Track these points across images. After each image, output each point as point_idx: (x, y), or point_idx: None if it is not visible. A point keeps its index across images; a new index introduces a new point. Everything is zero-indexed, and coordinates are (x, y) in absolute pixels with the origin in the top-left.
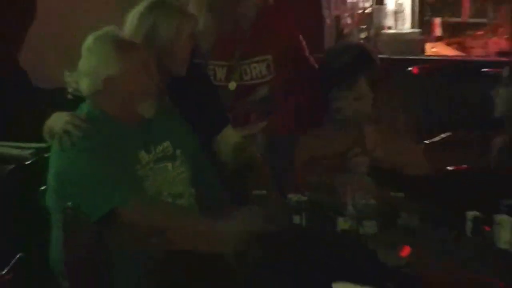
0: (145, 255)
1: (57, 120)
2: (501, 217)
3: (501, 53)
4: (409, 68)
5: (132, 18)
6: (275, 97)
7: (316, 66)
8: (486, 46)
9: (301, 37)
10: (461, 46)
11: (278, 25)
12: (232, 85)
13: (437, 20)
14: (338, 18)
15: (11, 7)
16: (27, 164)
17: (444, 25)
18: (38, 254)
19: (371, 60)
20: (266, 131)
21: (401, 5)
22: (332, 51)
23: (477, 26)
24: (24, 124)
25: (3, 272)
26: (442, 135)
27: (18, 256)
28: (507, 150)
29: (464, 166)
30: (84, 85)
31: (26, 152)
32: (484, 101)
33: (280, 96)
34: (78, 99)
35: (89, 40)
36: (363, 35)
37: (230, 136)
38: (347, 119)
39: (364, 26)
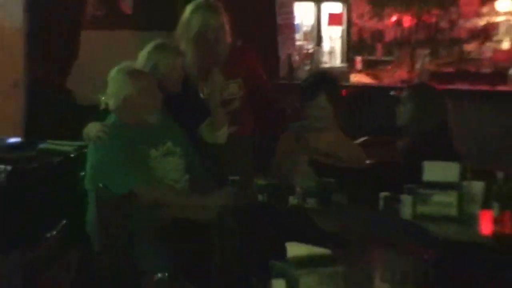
0: (154, 222)
1: (92, 128)
2: (404, 196)
3: (402, 82)
4: None
5: (142, 55)
6: (243, 108)
7: (270, 88)
8: (392, 77)
9: (261, 68)
10: (375, 77)
11: (245, 59)
12: (216, 98)
13: (359, 58)
14: (289, 56)
15: (63, 48)
16: (72, 156)
17: (364, 62)
18: (78, 221)
19: (329, 82)
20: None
21: (333, 47)
22: (307, 76)
23: (387, 62)
24: (70, 128)
25: (54, 233)
26: (363, 138)
27: (63, 222)
28: (407, 149)
29: (379, 160)
30: (111, 103)
31: (71, 148)
32: (392, 114)
33: (246, 107)
34: (107, 112)
35: (113, 71)
36: (307, 68)
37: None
38: (311, 124)
39: (308, 62)
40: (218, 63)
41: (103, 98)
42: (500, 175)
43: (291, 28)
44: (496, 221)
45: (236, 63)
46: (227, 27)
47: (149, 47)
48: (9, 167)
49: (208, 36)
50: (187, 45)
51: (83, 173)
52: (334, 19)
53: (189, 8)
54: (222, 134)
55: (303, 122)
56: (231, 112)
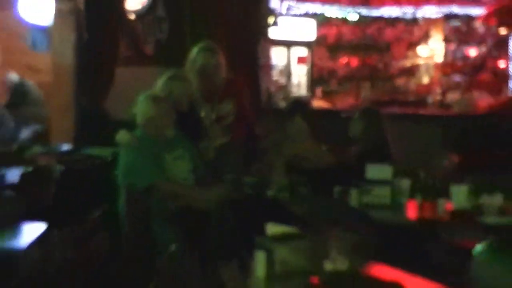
0: (167, 208)
1: (123, 136)
2: (352, 190)
3: (351, 106)
4: None
5: (160, 82)
6: (233, 123)
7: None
8: (343, 103)
9: (246, 95)
10: (331, 103)
11: (236, 88)
12: (213, 116)
13: (319, 89)
14: (268, 88)
15: (102, 79)
16: (108, 159)
17: (322, 91)
18: (112, 207)
19: (303, 106)
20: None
21: (300, 81)
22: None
23: (340, 92)
24: (106, 138)
25: (97, 215)
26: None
27: (101, 208)
28: (357, 155)
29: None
30: (138, 120)
31: (107, 153)
32: (345, 129)
33: (236, 123)
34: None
35: (141, 97)
36: (281, 97)
37: (208, 146)
38: (291, 136)
39: (281, 92)
40: (216, 90)
41: (135, 116)
42: (422, 174)
43: (269, 67)
44: (419, 208)
45: (229, 90)
46: (222, 64)
47: (165, 76)
48: (63, 167)
49: (208, 71)
50: (193, 77)
51: (116, 172)
52: (301, 60)
53: (194, 50)
54: (211, 149)
55: (283, 134)
56: (226, 125)
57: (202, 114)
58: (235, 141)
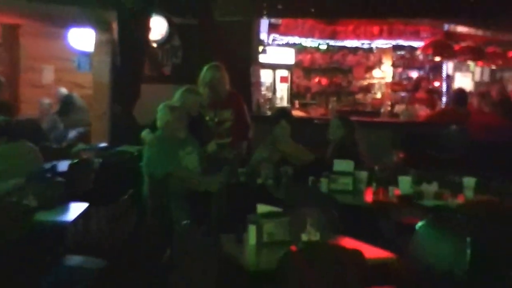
0: (182, 192)
1: (146, 135)
2: (323, 179)
3: (321, 115)
4: None
5: (177, 94)
6: (233, 126)
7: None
8: (316, 112)
9: (244, 104)
10: (306, 112)
11: (235, 99)
12: (216, 119)
13: (296, 101)
14: (257, 99)
15: (131, 93)
16: (135, 154)
17: (299, 103)
18: (138, 191)
19: (287, 113)
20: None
21: (282, 95)
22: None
23: (313, 104)
24: (134, 137)
25: (125, 197)
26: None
27: (130, 191)
28: (331, 153)
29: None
30: (158, 124)
31: (134, 150)
32: (317, 132)
33: (235, 126)
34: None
35: (160, 107)
36: (267, 107)
37: (212, 144)
38: (278, 138)
39: (268, 103)
40: (220, 100)
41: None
42: (376, 168)
43: (259, 84)
44: (374, 193)
45: (230, 100)
46: (226, 80)
47: (181, 90)
48: (100, 160)
49: (214, 84)
50: (203, 89)
51: (141, 163)
52: (283, 79)
53: (204, 68)
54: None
55: (271, 137)
56: (226, 128)
57: (207, 118)
58: (234, 140)
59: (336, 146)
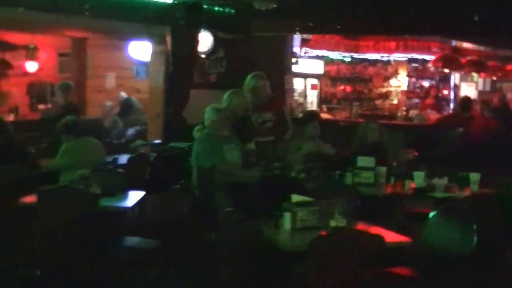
0: (226, 183)
1: (196, 133)
2: (347, 173)
3: (346, 118)
4: None
5: (224, 97)
6: (273, 127)
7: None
8: (340, 115)
9: (284, 107)
10: (332, 115)
11: (276, 103)
12: (259, 118)
13: (324, 106)
14: (290, 104)
15: (182, 97)
16: (186, 149)
17: (327, 108)
18: (188, 182)
19: (316, 114)
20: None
21: (312, 100)
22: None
23: (338, 108)
24: (184, 135)
25: (177, 186)
26: None
27: (181, 182)
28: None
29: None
30: (205, 123)
31: (185, 146)
32: (342, 132)
33: (275, 126)
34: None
35: (207, 108)
36: (300, 110)
37: (252, 142)
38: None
39: (300, 107)
40: (262, 103)
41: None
42: (394, 164)
43: (292, 90)
44: (392, 186)
45: (271, 103)
46: (268, 86)
47: (228, 92)
48: (155, 154)
49: (258, 90)
50: (247, 94)
51: (190, 157)
52: (313, 87)
53: (249, 76)
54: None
55: (303, 135)
56: (267, 128)
57: (252, 119)
58: (274, 139)
59: (371, 146)
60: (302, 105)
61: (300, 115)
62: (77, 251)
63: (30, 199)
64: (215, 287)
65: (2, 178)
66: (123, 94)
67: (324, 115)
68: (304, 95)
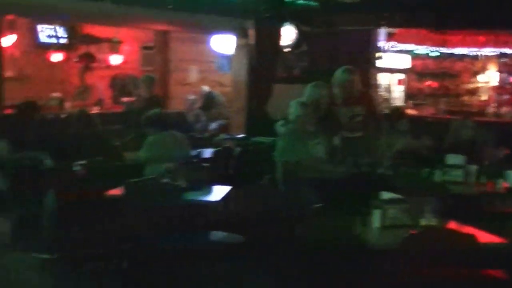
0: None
1: (280, 128)
2: (437, 171)
3: (432, 113)
4: None
5: (307, 90)
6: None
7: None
8: (427, 111)
9: (374, 101)
10: (418, 111)
11: (366, 98)
12: (349, 113)
13: (410, 102)
14: (376, 99)
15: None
16: (269, 144)
17: (413, 103)
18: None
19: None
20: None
21: (398, 96)
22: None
23: (424, 104)
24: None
25: (263, 181)
26: None
27: (267, 177)
28: (447, 148)
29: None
30: (290, 118)
31: (268, 140)
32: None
33: (365, 121)
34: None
35: (292, 103)
36: (385, 105)
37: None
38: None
39: (385, 103)
40: (351, 98)
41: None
42: (486, 162)
43: (377, 86)
44: (484, 185)
45: (362, 98)
46: (357, 80)
47: (311, 84)
48: (239, 149)
49: (346, 84)
50: (336, 88)
51: (275, 152)
52: (400, 82)
53: (338, 71)
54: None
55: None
56: (358, 122)
57: (341, 114)
58: (363, 134)
59: (464, 143)
60: (388, 100)
61: (386, 110)
62: (162, 244)
63: (116, 191)
64: (300, 284)
65: (87, 171)
66: (206, 88)
67: (410, 112)
68: (389, 90)
